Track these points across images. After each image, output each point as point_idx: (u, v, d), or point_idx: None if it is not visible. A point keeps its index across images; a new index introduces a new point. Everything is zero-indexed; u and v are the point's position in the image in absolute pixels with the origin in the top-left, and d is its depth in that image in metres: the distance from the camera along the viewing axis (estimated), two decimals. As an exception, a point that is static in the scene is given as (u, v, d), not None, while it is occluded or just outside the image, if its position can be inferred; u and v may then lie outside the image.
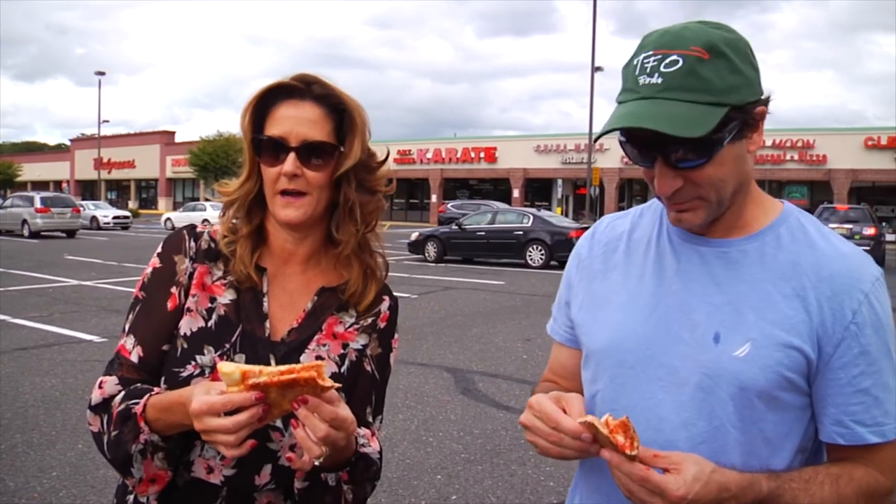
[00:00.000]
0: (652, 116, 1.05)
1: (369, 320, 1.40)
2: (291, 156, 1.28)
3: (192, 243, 1.35)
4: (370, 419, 1.40)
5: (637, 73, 1.10)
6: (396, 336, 1.46)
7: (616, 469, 1.03)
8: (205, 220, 19.92)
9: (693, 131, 1.04)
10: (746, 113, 1.09)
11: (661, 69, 1.07)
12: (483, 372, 6.88)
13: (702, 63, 1.05)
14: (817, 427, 1.16)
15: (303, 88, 1.30)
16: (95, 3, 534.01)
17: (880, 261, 21.43)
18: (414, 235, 19.59)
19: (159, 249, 1.36)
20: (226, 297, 1.33)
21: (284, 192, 1.29)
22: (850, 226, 21.70)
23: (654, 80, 1.07)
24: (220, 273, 1.34)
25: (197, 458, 1.27)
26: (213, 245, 1.36)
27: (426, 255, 18.92)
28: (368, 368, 1.39)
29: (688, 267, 1.21)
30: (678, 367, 1.16)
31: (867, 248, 21.21)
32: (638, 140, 1.12)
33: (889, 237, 34.48)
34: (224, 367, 1.05)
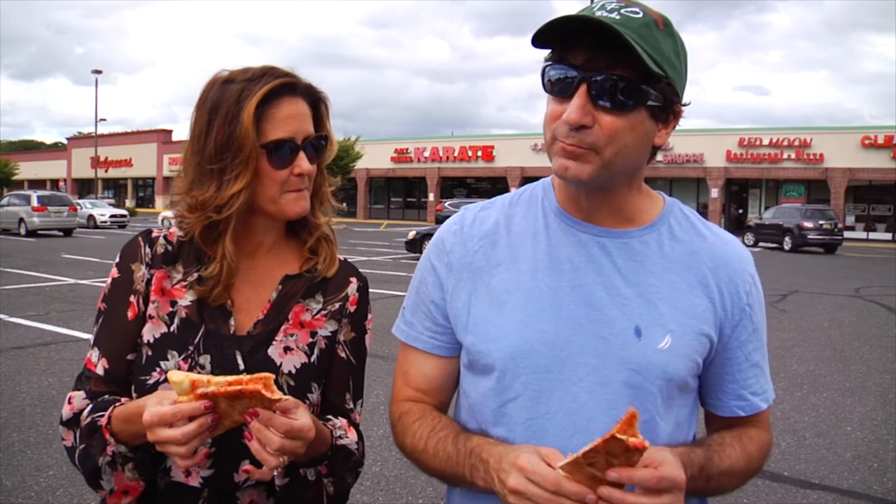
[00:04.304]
0: (618, 28, 1.02)
1: (337, 305, 1.38)
2: (302, 155, 1.27)
3: (148, 249, 1.32)
4: (350, 405, 1.38)
5: (595, 7, 1.07)
6: (370, 317, 1.44)
7: (628, 496, 0.94)
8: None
9: (640, 52, 1.02)
10: (672, 97, 1.10)
11: (622, 11, 1.05)
12: (480, 370, 6.85)
13: (657, 28, 1.06)
14: (711, 404, 1.25)
15: (296, 84, 1.29)
16: (95, 2, 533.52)
17: (833, 250, 25.37)
18: (411, 234, 19.57)
19: (117, 259, 1.34)
20: (186, 298, 1.30)
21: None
22: (829, 221, 25.24)
23: (612, 16, 1.04)
24: (179, 276, 1.31)
25: (173, 463, 1.25)
26: (170, 248, 1.32)
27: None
28: (343, 354, 1.37)
29: (588, 259, 1.17)
30: (599, 366, 1.13)
31: (839, 237, 25.22)
32: (569, 60, 1.07)
33: (885, 235, 34.71)
34: (174, 375, 1.04)
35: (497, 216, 1.27)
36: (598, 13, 1.05)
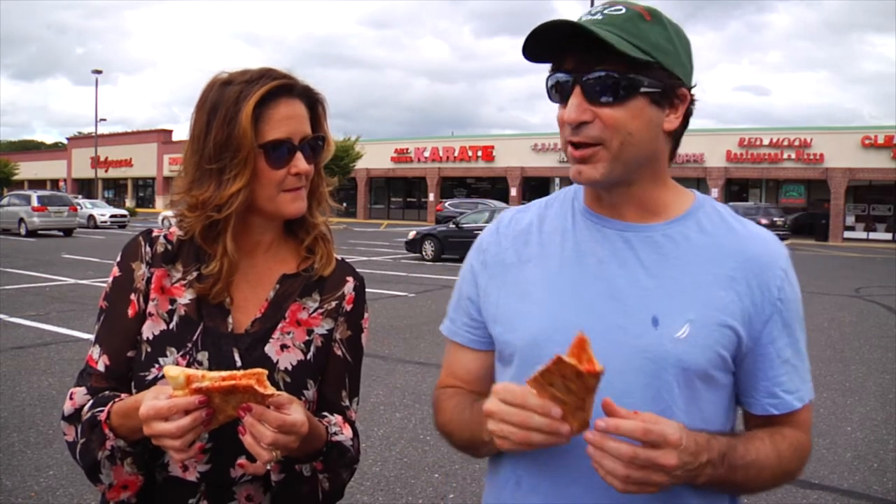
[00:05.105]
0: (587, 24, 1.09)
1: (333, 304, 1.40)
2: (300, 155, 1.30)
3: (148, 248, 1.35)
4: (346, 402, 1.40)
5: (584, 14, 1.15)
6: (367, 316, 1.46)
7: (608, 440, 0.98)
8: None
9: (617, 43, 1.07)
10: (671, 81, 1.14)
11: (605, 11, 1.13)
12: (480, 370, 6.86)
13: (642, 20, 1.12)
14: (745, 402, 1.23)
15: (294, 85, 1.31)
16: (95, 2, 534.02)
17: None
18: (411, 234, 19.61)
19: (118, 258, 1.37)
20: (185, 297, 1.32)
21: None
22: (781, 219, 28.70)
23: (595, 17, 1.12)
24: (178, 275, 1.34)
25: (171, 458, 1.27)
26: (170, 247, 1.35)
27: (423, 253, 18.92)
28: (339, 353, 1.40)
29: (612, 252, 1.20)
30: (615, 355, 1.13)
31: (785, 234, 28.10)
32: (563, 67, 1.14)
33: (885, 235, 34.74)
34: (169, 370, 1.07)
35: (531, 217, 1.33)
36: (584, 18, 1.13)
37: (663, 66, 1.12)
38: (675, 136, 1.20)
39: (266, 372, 1.07)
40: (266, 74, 1.29)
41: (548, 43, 1.13)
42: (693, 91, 1.18)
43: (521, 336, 1.22)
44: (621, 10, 1.12)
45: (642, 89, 1.11)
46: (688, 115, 1.19)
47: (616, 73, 1.10)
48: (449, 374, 1.37)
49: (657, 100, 1.13)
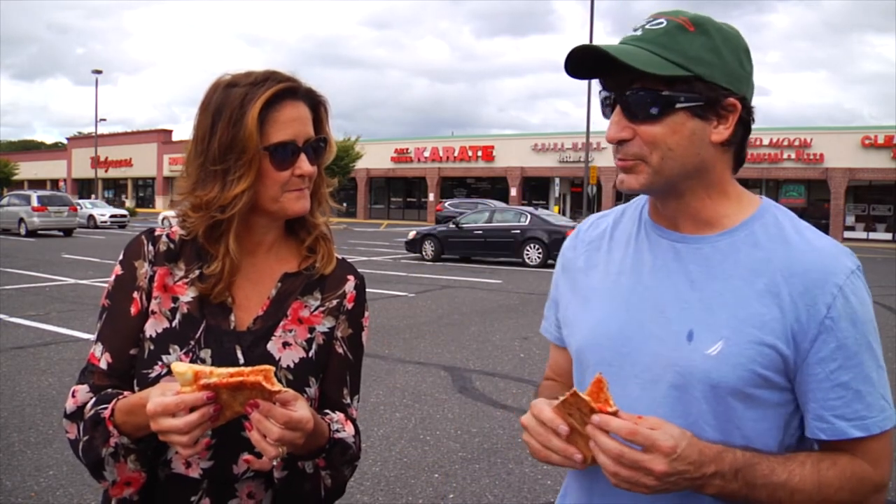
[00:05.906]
0: (606, 48, 1.09)
1: (334, 302, 1.41)
2: (304, 157, 1.31)
3: (151, 247, 1.36)
4: (347, 400, 1.42)
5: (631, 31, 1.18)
6: (367, 314, 1.47)
7: (600, 435, 1.00)
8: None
9: (635, 62, 1.07)
10: (713, 93, 1.11)
11: (646, 26, 1.14)
12: (480, 370, 6.89)
13: (683, 31, 1.11)
14: (804, 423, 1.15)
15: (298, 88, 1.32)
16: (96, 3, 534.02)
17: None
18: (411, 234, 19.61)
19: (120, 257, 1.38)
20: (188, 295, 1.33)
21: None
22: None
23: (635, 33, 1.14)
24: (181, 273, 1.35)
25: (174, 455, 1.29)
26: (172, 246, 1.36)
27: (423, 253, 18.92)
28: (340, 350, 1.41)
29: (663, 263, 1.20)
30: (652, 365, 1.16)
31: None
32: (607, 84, 1.16)
33: (885, 235, 34.76)
34: (177, 366, 1.08)
35: (607, 223, 1.35)
36: (627, 35, 1.15)
37: (703, 78, 1.09)
38: (734, 145, 1.17)
39: (273, 368, 1.08)
40: (270, 77, 1.30)
41: (588, 63, 1.13)
42: (747, 98, 1.14)
43: (575, 341, 1.29)
44: (662, 23, 1.12)
45: (678, 105, 1.10)
46: (745, 123, 1.15)
47: (651, 90, 1.10)
48: (549, 367, 1.46)
49: (699, 113, 1.11)
